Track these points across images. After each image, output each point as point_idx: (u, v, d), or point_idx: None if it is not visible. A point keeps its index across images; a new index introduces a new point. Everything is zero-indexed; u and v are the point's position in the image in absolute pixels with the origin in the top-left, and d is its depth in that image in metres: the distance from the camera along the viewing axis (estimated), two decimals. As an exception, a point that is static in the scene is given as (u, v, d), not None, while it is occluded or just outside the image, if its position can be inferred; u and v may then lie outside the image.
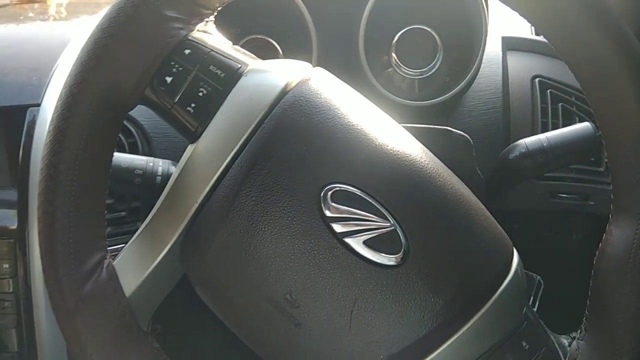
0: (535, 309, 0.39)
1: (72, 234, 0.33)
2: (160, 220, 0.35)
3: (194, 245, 0.34)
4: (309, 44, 0.57)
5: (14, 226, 0.52)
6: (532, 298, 0.43)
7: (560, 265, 0.60)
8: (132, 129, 0.55)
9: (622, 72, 0.32)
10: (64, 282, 0.33)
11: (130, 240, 0.36)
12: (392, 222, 0.32)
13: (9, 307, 0.53)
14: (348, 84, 0.37)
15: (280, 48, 0.60)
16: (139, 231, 0.36)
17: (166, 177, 0.46)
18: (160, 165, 0.46)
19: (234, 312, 0.35)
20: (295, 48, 0.59)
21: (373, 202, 0.32)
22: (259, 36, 0.60)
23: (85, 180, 0.33)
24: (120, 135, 0.55)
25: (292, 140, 0.33)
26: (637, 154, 0.32)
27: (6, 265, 0.52)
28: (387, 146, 0.34)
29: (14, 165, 0.52)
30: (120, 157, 0.46)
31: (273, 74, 0.35)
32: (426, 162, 0.34)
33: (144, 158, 0.47)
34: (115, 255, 0.36)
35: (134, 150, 0.55)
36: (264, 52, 0.59)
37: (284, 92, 0.34)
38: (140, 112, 0.56)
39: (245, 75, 0.34)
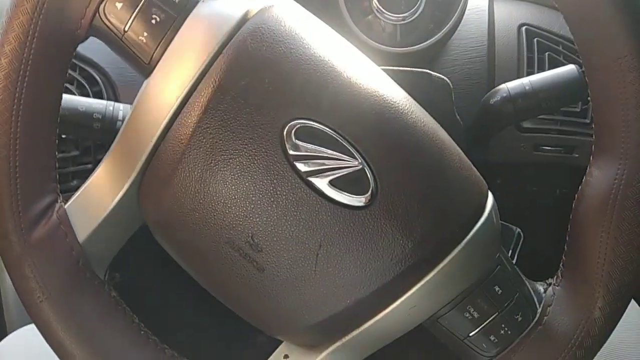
0: (514, 262, 0.38)
1: (18, 176, 0.31)
2: (115, 161, 0.33)
3: (151, 187, 0.32)
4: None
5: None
6: (510, 251, 0.41)
7: (543, 219, 0.59)
8: (97, 77, 0.52)
9: (612, 9, 0.30)
10: (10, 226, 0.31)
11: (85, 184, 0.34)
12: (359, 161, 0.30)
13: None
14: None
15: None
16: (93, 173, 0.34)
17: (128, 122, 0.44)
18: (121, 109, 0.44)
19: (194, 258, 0.33)
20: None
21: (340, 140, 0.30)
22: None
23: (30, 120, 0.31)
24: (84, 82, 0.52)
25: (253, 73, 0.30)
26: (622, 90, 0.31)
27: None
28: (356, 80, 0.31)
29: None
30: (78, 100, 0.43)
31: (233, 1, 0.32)
32: (398, 98, 0.32)
33: (104, 102, 0.44)
34: (68, 199, 0.34)
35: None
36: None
37: (244, 20, 0.31)
38: (106, 59, 0.54)
39: (203, 2, 0.32)
